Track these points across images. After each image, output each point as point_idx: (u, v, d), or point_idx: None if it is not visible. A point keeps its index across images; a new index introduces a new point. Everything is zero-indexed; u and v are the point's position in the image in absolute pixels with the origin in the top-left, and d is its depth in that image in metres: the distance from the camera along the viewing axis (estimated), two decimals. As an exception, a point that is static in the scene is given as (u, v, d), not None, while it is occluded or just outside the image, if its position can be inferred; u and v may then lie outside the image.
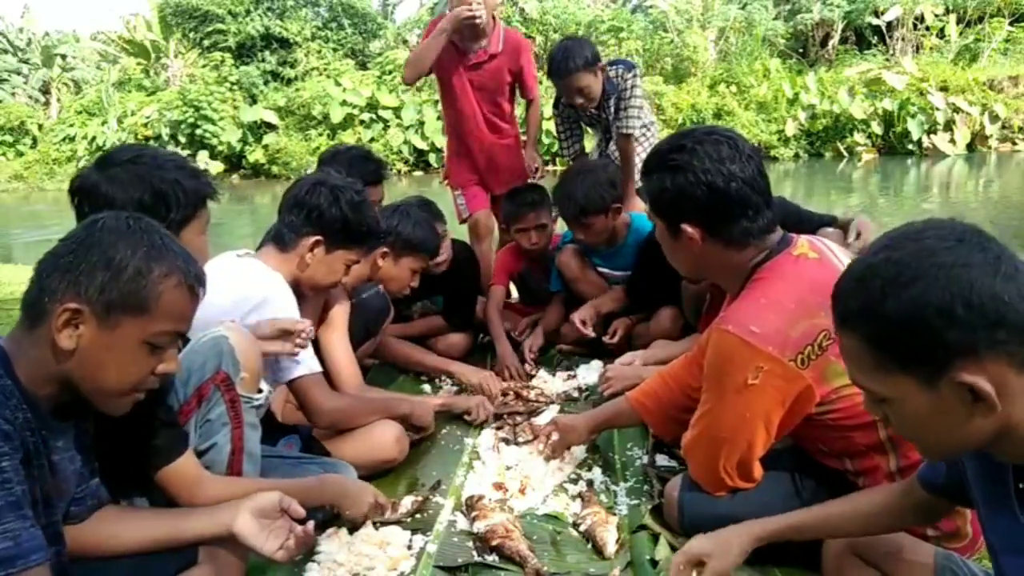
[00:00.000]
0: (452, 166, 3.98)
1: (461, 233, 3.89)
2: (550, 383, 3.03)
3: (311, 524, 1.49)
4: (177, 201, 1.64)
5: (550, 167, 16.92)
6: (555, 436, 2.28)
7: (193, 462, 1.59)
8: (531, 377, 3.10)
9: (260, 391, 1.82)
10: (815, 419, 1.60)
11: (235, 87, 20.65)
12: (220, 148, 19.61)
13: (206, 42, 22.04)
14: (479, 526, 1.88)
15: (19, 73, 25.31)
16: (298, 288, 2.19)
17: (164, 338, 1.29)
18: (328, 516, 1.92)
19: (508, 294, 3.74)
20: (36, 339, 1.22)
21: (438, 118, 18.75)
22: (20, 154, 22.05)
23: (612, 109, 3.67)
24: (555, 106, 3.87)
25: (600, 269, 3.34)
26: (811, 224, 2.81)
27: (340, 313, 2.48)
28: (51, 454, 1.25)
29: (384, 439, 2.25)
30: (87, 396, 1.28)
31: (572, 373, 3.13)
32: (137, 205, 1.56)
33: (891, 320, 0.97)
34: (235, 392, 1.71)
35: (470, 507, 1.98)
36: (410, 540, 1.87)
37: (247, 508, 1.43)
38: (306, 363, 2.08)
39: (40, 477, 1.21)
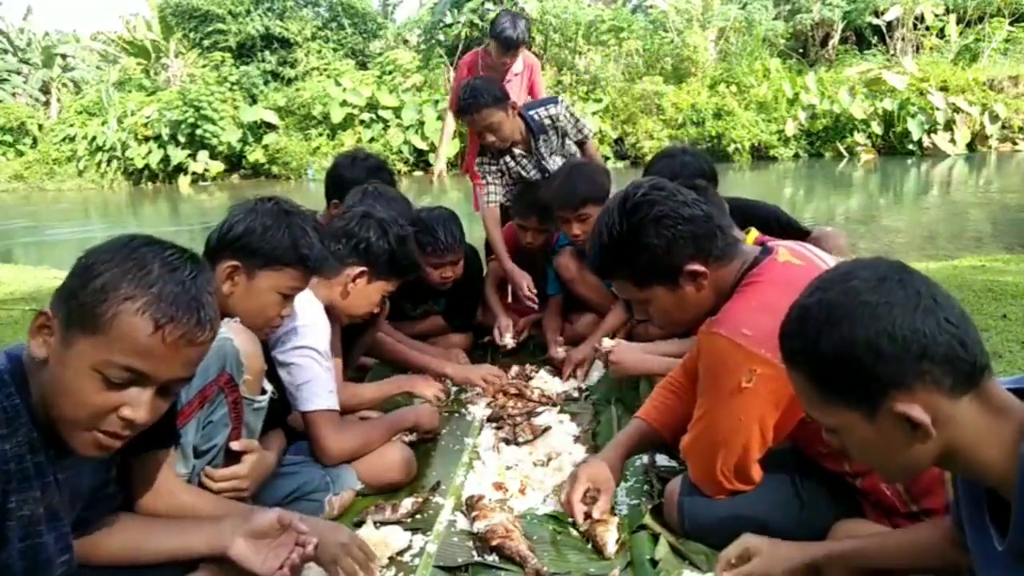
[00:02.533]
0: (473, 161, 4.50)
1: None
2: (550, 383, 3.04)
3: (313, 542, 1.47)
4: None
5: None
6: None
7: (171, 461, 1.57)
8: (530, 378, 3.11)
9: (264, 392, 1.83)
10: (813, 422, 1.60)
11: (235, 87, 20.66)
12: (220, 148, 19.61)
13: (206, 42, 22.05)
14: (479, 526, 1.88)
15: (19, 73, 25.33)
16: (329, 312, 2.21)
17: (115, 371, 1.13)
18: (325, 518, 1.93)
19: (504, 296, 3.75)
20: None
21: (438, 118, 18.75)
22: (20, 154, 22.06)
23: (544, 147, 3.63)
24: (476, 156, 3.72)
25: (598, 272, 3.34)
26: (759, 218, 2.82)
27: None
28: (58, 472, 1.22)
29: (393, 462, 2.21)
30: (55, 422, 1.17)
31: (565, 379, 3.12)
32: None
33: (827, 358, 1.06)
34: (238, 394, 1.72)
35: (470, 507, 1.99)
36: (410, 540, 1.87)
37: (243, 531, 1.42)
38: (324, 398, 2.05)
39: (45, 496, 1.19)
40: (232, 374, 1.69)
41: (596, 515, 1.90)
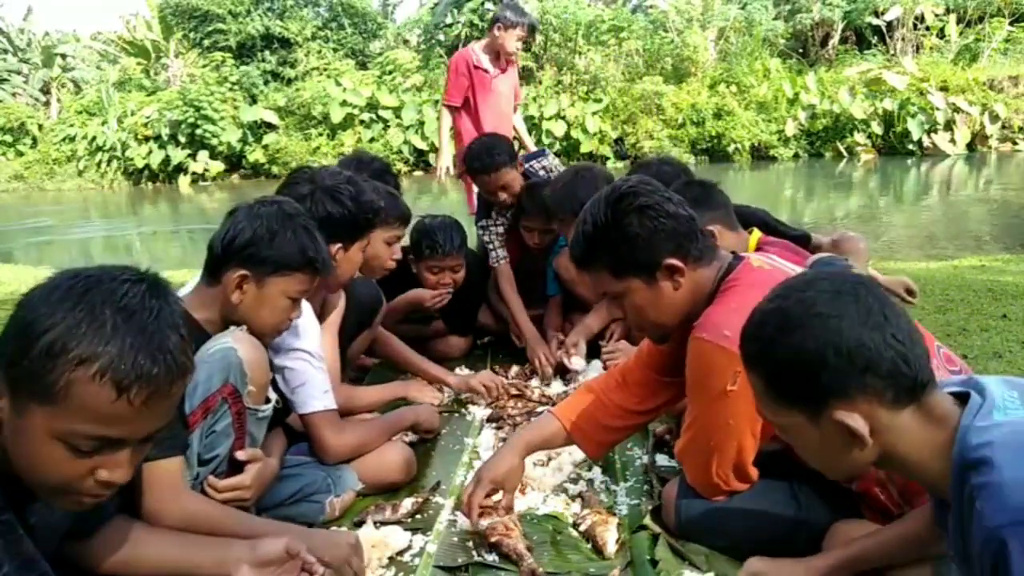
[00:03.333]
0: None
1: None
2: (551, 384, 3.04)
3: (320, 571, 1.44)
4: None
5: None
6: (498, 496, 1.95)
7: (180, 470, 1.57)
8: (530, 378, 3.11)
9: (268, 400, 1.83)
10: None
11: (235, 87, 20.64)
12: (220, 148, 19.60)
13: (206, 42, 22.05)
14: (481, 522, 1.89)
15: (19, 73, 25.31)
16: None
17: (82, 441, 1.01)
18: (326, 520, 1.93)
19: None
20: None
21: (438, 118, 18.73)
22: (20, 154, 22.04)
23: None
24: (478, 221, 3.65)
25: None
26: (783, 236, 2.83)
27: (335, 311, 2.48)
28: (29, 517, 1.14)
29: (393, 462, 2.21)
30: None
31: (566, 380, 3.10)
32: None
33: (778, 363, 1.14)
34: (242, 404, 1.71)
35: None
36: (410, 540, 1.87)
37: (249, 559, 1.40)
38: (321, 399, 2.05)
39: (13, 550, 1.09)
40: (236, 385, 1.67)
41: (501, 513, 1.90)
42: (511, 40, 4.61)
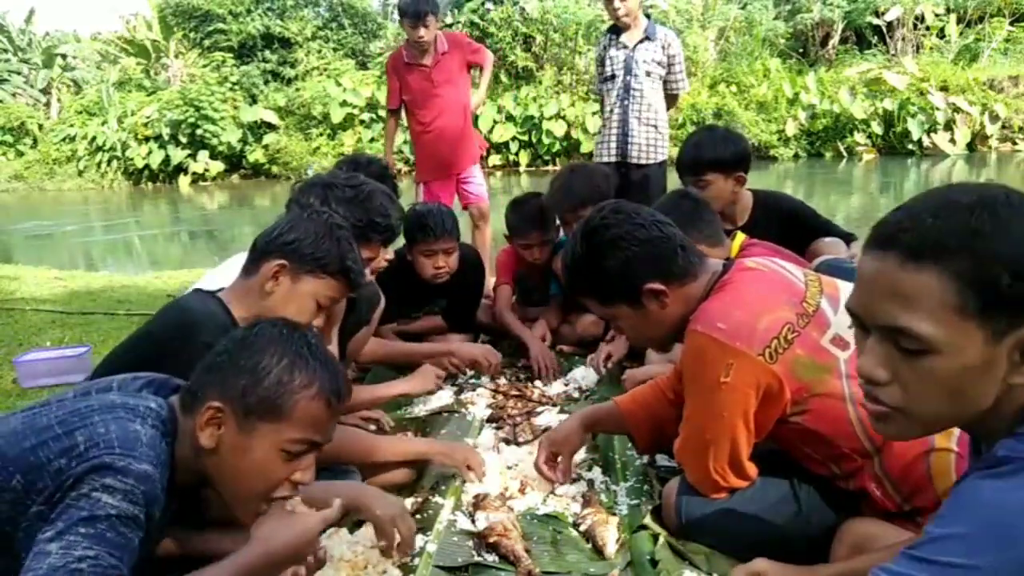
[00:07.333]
0: (421, 165, 4.96)
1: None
2: (551, 384, 3.04)
3: (323, 551, 1.49)
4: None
5: (550, 167, 16.85)
6: (557, 460, 2.14)
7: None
8: (530, 378, 3.11)
9: None
10: (791, 422, 1.61)
11: (235, 87, 20.64)
12: (220, 148, 19.58)
13: (206, 42, 22.04)
14: (480, 516, 1.90)
15: (20, 73, 25.30)
16: None
17: (299, 446, 1.32)
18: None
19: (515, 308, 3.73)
20: (188, 427, 1.30)
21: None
22: (20, 154, 22.03)
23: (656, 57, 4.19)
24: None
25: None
26: (814, 228, 2.82)
27: (336, 307, 2.48)
28: (161, 529, 1.30)
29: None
30: (222, 496, 1.33)
31: (566, 380, 3.11)
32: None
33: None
34: None
35: (476, 505, 2.00)
36: (410, 540, 1.87)
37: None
38: None
39: (147, 550, 1.24)
40: None
41: (560, 476, 2.11)
42: (405, 30, 4.55)
